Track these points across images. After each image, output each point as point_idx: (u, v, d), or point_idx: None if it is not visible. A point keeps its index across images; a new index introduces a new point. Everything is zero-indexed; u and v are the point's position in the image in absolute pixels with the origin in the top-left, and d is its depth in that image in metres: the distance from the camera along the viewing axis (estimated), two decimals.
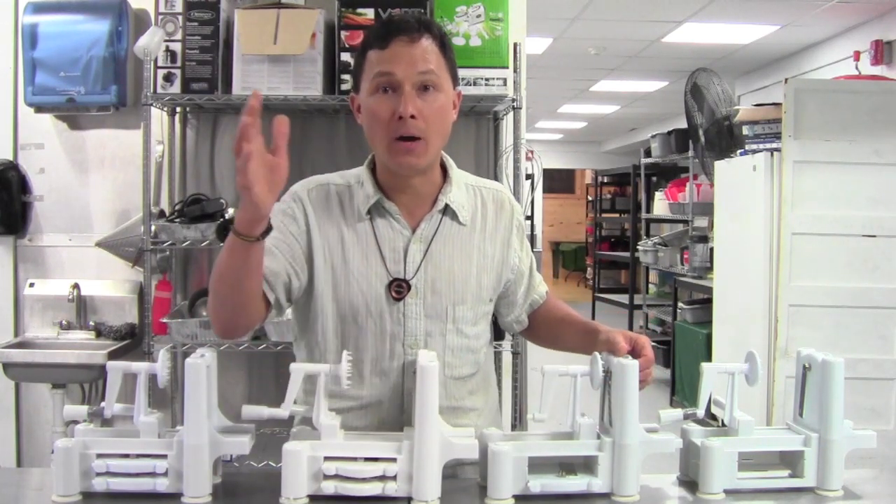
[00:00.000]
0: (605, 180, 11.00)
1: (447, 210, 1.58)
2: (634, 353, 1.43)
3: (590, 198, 14.61)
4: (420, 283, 1.54)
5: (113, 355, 2.92)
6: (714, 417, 1.47)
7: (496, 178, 3.06)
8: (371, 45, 1.50)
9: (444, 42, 1.52)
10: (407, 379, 1.53)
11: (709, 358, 4.88)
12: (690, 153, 6.05)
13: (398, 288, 1.53)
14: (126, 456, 1.34)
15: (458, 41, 2.82)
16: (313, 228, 1.54)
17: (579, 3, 5.43)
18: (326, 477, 1.30)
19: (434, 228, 1.57)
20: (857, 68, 5.54)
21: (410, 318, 1.54)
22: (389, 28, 1.49)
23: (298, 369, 1.37)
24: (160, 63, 2.89)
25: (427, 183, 1.57)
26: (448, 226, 1.58)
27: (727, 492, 1.37)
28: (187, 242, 2.89)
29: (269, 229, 1.34)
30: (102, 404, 1.37)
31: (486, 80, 2.84)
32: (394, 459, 1.31)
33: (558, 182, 15.99)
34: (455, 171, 1.61)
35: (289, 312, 1.63)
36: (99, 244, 3.19)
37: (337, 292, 1.53)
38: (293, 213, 1.55)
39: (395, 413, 1.53)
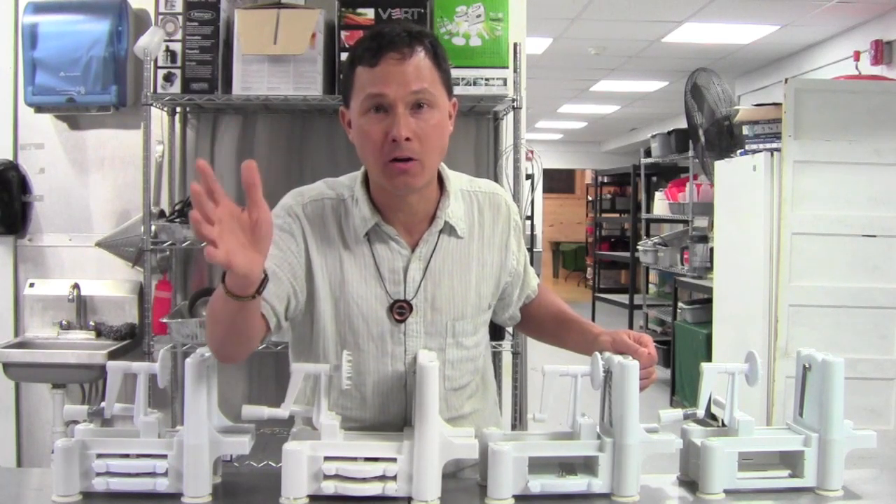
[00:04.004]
0: (605, 180, 11.00)
1: (445, 226, 1.53)
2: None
3: (590, 198, 14.61)
4: (420, 302, 1.51)
5: (113, 355, 2.92)
6: (714, 417, 1.47)
7: (496, 178, 3.06)
8: (360, 61, 1.41)
9: (437, 53, 1.44)
10: (409, 397, 1.50)
11: (709, 358, 4.89)
12: (690, 153, 6.05)
13: (400, 310, 1.50)
14: (126, 456, 1.34)
15: (458, 41, 2.82)
16: (311, 247, 1.50)
17: (579, 3, 5.43)
18: (326, 477, 1.30)
19: (433, 246, 1.53)
20: (857, 68, 5.54)
21: (411, 336, 1.51)
22: (380, 43, 1.39)
23: (298, 369, 1.37)
24: (160, 63, 2.89)
25: (424, 199, 1.51)
26: (446, 242, 1.54)
27: (727, 492, 1.37)
28: (187, 242, 2.89)
29: (264, 281, 1.25)
30: (102, 404, 1.37)
31: (486, 80, 2.84)
32: (394, 459, 1.31)
33: (558, 182, 15.99)
34: (451, 182, 1.56)
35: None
36: (99, 244, 3.19)
37: (337, 315, 1.50)
38: (290, 229, 1.50)
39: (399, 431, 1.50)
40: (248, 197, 1.16)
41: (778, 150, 4.00)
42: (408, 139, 1.39)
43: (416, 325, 1.51)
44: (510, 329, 2.92)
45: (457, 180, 1.59)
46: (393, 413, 1.52)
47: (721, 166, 4.74)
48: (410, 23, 2.79)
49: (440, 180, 1.55)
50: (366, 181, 1.53)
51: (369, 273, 1.50)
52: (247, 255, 1.17)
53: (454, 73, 1.54)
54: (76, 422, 1.40)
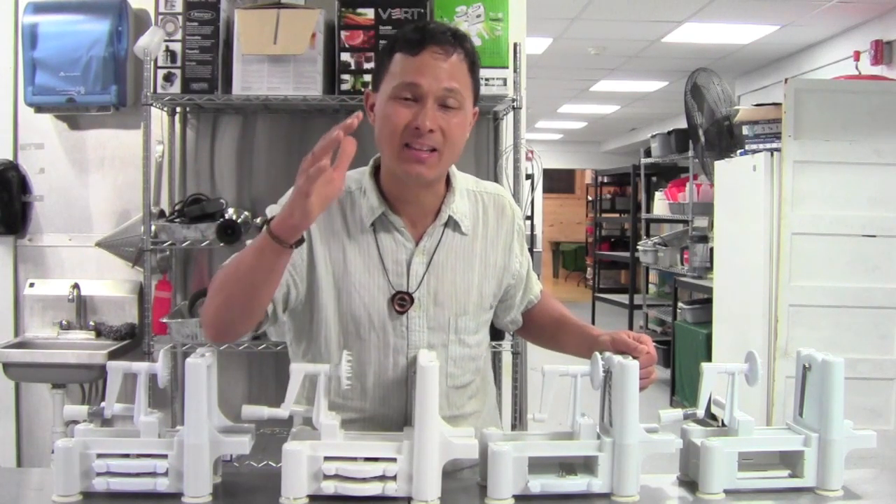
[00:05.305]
0: (605, 180, 10.99)
1: (449, 221, 1.56)
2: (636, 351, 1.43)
3: (590, 198, 14.61)
4: (423, 296, 1.52)
5: (113, 355, 2.92)
6: (714, 417, 1.47)
7: (496, 178, 3.07)
8: (401, 48, 1.45)
9: (473, 61, 1.49)
10: (410, 391, 1.51)
11: (709, 358, 4.88)
12: (690, 153, 6.05)
13: (401, 301, 1.51)
14: (126, 456, 1.34)
15: None
16: (315, 238, 1.51)
17: (579, 3, 5.43)
18: (326, 477, 1.30)
19: (437, 240, 1.55)
20: (857, 68, 5.53)
21: (413, 330, 1.53)
22: (424, 35, 1.44)
23: (298, 369, 1.37)
24: (160, 63, 2.89)
25: (432, 194, 1.54)
26: (450, 237, 1.56)
27: (727, 492, 1.37)
28: (187, 242, 2.89)
29: (301, 240, 1.33)
30: (102, 404, 1.37)
31: (486, 80, 2.83)
32: (394, 459, 1.31)
33: (558, 182, 15.99)
34: (458, 180, 1.59)
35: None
36: (99, 244, 3.19)
37: (339, 304, 1.52)
38: None
39: (399, 425, 1.51)
40: (338, 160, 1.27)
41: (778, 150, 4.00)
42: (431, 131, 1.42)
43: (418, 318, 1.53)
44: None
45: (463, 180, 1.62)
46: (393, 406, 1.53)
47: (721, 166, 4.74)
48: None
49: (447, 178, 1.58)
50: (375, 173, 1.56)
51: (373, 263, 1.52)
52: (318, 199, 1.25)
53: None
54: (76, 422, 1.39)
